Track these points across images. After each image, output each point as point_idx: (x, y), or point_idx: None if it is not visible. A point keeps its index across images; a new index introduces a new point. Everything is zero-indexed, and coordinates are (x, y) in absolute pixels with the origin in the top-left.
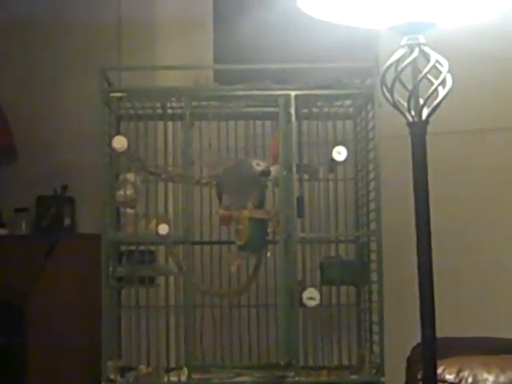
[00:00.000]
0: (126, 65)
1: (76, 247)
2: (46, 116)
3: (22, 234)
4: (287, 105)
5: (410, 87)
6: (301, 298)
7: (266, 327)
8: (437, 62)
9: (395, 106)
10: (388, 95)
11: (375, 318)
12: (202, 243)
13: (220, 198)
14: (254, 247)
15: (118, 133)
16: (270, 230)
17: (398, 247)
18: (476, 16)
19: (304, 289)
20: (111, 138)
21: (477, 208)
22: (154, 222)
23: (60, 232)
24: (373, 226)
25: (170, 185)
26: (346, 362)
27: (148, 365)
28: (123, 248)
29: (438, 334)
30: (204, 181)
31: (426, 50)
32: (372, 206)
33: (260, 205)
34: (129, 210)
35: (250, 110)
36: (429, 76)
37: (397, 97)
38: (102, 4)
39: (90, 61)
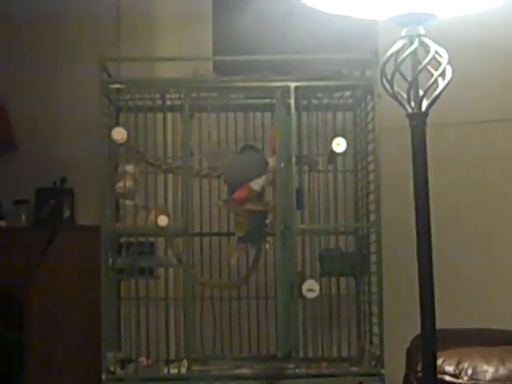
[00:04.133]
0: (126, 56)
1: (75, 239)
2: (45, 108)
3: (22, 226)
4: (285, 96)
5: (409, 78)
6: (300, 290)
7: (265, 319)
8: (436, 53)
9: (395, 97)
10: (388, 86)
11: (375, 309)
12: (201, 235)
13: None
14: (253, 239)
15: (118, 124)
16: (268, 221)
17: (397, 238)
18: (476, 6)
19: (303, 280)
20: (110, 130)
21: (476, 199)
22: (153, 213)
23: (59, 224)
24: (372, 217)
25: (170, 176)
26: (345, 354)
27: (148, 357)
28: (123, 240)
29: (438, 326)
30: (203, 172)
31: (426, 41)
32: (371, 197)
33: (259, 196)
34: (128, 202)
35: (250, 101)
36: (428, 67)
37: (396, 88)
38: None
39: (89, 52)
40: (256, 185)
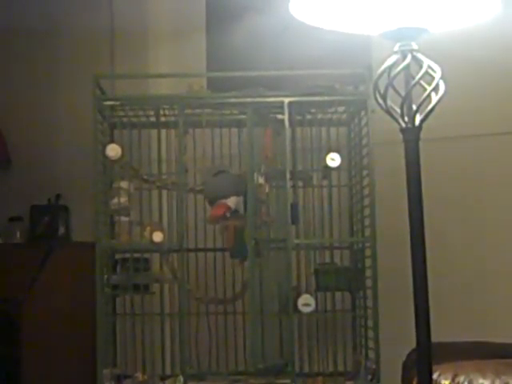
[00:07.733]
0: (119, 73)
1: (70, 256)
2: (39, 125)
3: (16, 243)
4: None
5: (403, 93)
6: (296, 304)
7: (261, 333)
8: (429, 67)
9: (388, 112)
10: (381, 101)
11: (370, 323)
12: (196, 250)
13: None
14: (240, 254)
15: (112, 141)
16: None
17: (392, 253)
18: (468, 21)
19: (299, 295)
20: (105, 147)
21: (471, 213)
22: (148, 229)
23: (54, 241)
24: (367, 232)
25: (164, 192)
26: (341, 368)
27: (144, 372)
28: (118, 256)
29: (433, 340)
30: (198, 188)
31: (419, 56)
32: (366, 212)
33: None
34: (123, 218)
35: (244, 117)
36: (422, 82)
37: (390, 103)
38: (94, 13)
39: (82, 69)
40: (232, 203)
